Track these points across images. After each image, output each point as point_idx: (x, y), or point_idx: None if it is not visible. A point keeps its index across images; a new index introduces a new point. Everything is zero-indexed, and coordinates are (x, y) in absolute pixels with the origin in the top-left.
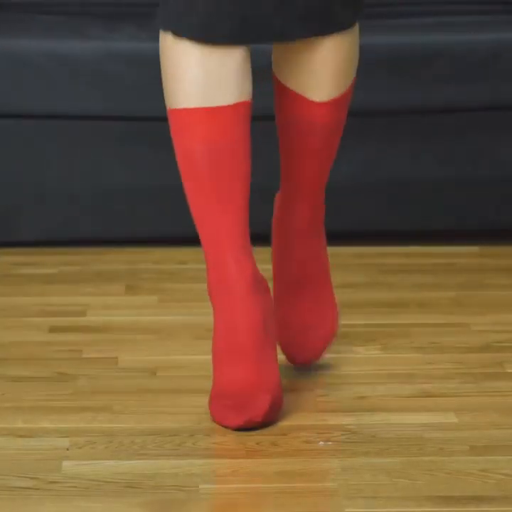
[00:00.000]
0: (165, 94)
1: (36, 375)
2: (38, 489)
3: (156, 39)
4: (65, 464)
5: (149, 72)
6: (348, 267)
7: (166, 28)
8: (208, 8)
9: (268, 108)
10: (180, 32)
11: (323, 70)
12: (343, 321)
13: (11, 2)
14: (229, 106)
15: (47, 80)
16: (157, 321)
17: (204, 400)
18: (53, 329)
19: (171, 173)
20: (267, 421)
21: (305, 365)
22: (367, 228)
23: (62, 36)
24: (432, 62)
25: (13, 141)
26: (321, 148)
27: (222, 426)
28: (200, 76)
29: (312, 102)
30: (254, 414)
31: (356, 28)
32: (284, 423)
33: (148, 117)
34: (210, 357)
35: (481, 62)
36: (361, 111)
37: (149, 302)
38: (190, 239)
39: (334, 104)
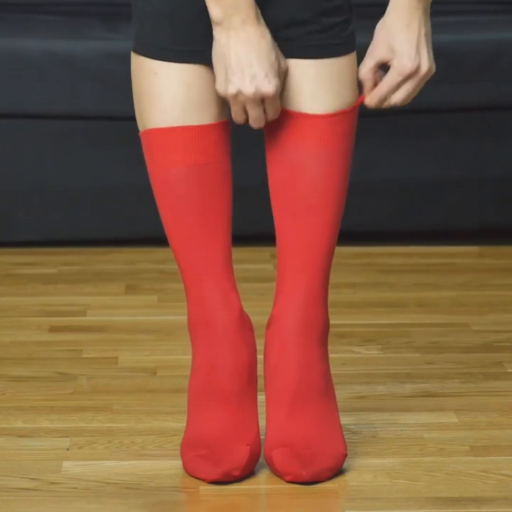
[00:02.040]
0: (138, 116)
1: (36, 375)
2: (38, 490)
3: None
4: (65, 464)
5: None
6: (348, 267)
7: (140, 52)
8: (181, 28)
9: None
10: (156, 55)
11: (312, 84)
12: (343, 321)
13: (11, 2)
14: (211, 125)
15: (47, 80)
16: (157, 321)
17: None
18: (53, 329)
19: None
20: (245, 474)
21: (305, 481)
22: (367, 228)
23: (62, 36)
24: None
25: (13, 141)
26: (315, 188)
27: (195, 478)
28: (180, 93)
29: (308, 115)
30: (231, 466)
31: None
32: None
33: None
34: None
35: (481, 62)
36: (361, 111)
37: (149, 302)
38: None
39: (331, 119)
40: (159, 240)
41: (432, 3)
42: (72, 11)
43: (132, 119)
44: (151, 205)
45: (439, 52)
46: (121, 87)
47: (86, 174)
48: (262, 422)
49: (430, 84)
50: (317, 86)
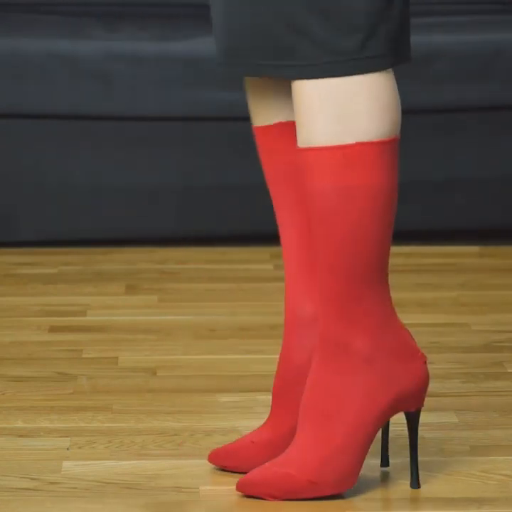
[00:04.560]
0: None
1: (36, 375)
2: (38, 490)
3: (156, 39)
4: (66, 464)
5: (149, 72)
6: None
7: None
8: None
9: None
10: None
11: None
12: None
13: (11, 2)
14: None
15: (47, 80)
16: (157, 321)
17: (204, 400)
18: (53, 329)
19: (171, 173)
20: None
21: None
22: None
23: (62, 36)
24: (432, 62)
25: (13, 141)
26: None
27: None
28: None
29: (313, 148)
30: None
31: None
32: None
33: (147, 117)
34: (210, 357)
35: (481, 62)
36: None
37: (149, 302)
38: (190, 239)
39: (341, 151)
40: (159, 240)
41: (433, 4)
42: (72, 11)
43: (132, 119)
44: (151, 205)
45: (439, 52)
46: (121, 87)
47: (86, 174)
48: (259, 423)
49: (430, 84)
50: (321, 112)
